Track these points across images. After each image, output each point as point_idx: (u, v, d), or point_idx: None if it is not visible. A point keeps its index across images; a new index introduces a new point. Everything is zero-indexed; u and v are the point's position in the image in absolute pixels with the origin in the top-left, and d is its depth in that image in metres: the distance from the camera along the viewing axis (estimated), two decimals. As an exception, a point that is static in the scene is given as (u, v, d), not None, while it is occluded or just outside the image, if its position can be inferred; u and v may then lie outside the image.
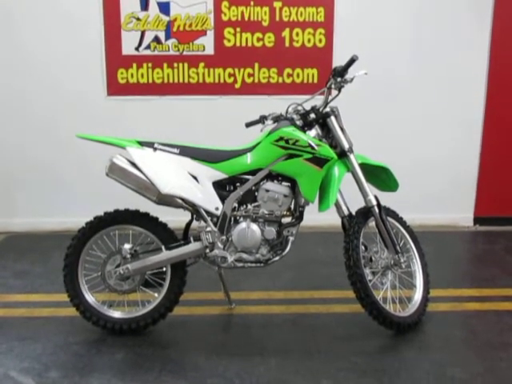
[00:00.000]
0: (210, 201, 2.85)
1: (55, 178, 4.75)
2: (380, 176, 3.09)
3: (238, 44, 4.57)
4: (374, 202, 2.92)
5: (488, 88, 4.78)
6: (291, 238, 2.90)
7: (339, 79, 2.88)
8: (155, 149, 2.84)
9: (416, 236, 3.18)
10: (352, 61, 2.80)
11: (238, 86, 4.65)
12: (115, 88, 4.62)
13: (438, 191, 4.89)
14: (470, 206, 4.98)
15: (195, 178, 2.84)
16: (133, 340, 2.86)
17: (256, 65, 4.61)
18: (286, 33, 4.56)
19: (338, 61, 4.26)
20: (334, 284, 3.50)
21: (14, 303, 3.32)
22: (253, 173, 2.88)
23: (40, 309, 3.23)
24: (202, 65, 4.60)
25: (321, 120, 2.91)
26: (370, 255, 2.96)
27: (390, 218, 3.04)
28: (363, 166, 2.96)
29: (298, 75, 4.63)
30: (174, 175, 2.80)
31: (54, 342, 2.85)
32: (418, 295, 3.07)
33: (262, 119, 2.99)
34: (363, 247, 2.93)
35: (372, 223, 2.98)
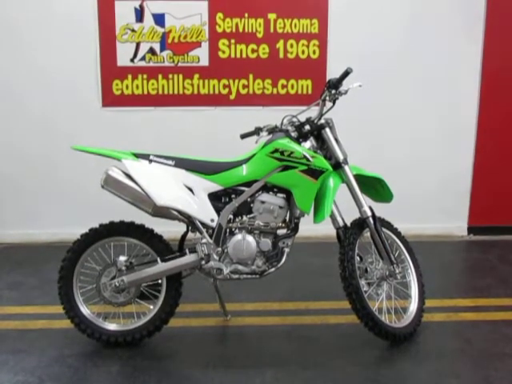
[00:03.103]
0: (206, 212, 2.85)
1: (48, 189, 4.74)
2: (375, 187, 3.10)
3: (232, 55, 4.60)
4: (369, 213, 2.93)
5: (481, 97, 4.82)
6: (287, 250, 2.91)
7: (333, 91, 2.90)
8: (150, 161, 2.84)
9: (411, 246, 3.19)
10: (346, 73, 2.83)
11: (232, 97, 4.67)
12: (110, 99, 4.63)
13: (432, 201, 4.92)
14: (464, 215, 5.01)
15: (190, 189, 2.84)
16: (128, 352, 2.85)
17: (251, 76, 4.64)
18: (280, 44, 4.59)
19: (332, 72, 4.32)
20: (330, 295, 3.49)
21: (7, 315, 3.29)
22: (248, 184, 2.88)
23: (34, 321, 3.21)
24: (196, 76, 4.62)
25: (315, 132, 2.93)
26: (366, 266, 2.97)
27: (384, 229, 3.05)
28: (358, 177, 2.97)
29: (292, 86, 4.66)
30: (170, 187, 2.80)
31: (49, 354, 2.83)
32: (413, 306, 3.08)
33: (257, 131, 3.01)
34: (358, 258, 2.94)
35: (367, 234, 3.00)
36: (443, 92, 4.78)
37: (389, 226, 3.14)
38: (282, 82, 4.66)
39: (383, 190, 3.07)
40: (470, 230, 5.03)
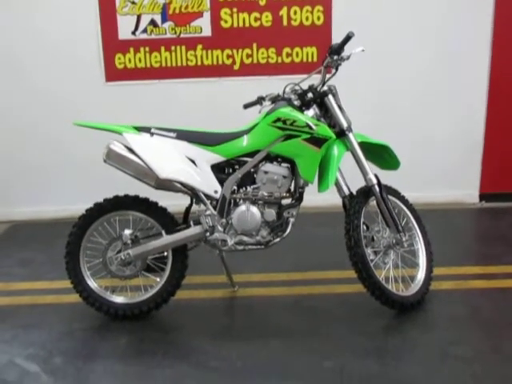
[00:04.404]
0: (209, 184, 2.83)
1: (55, 166, 4.74)
2: (381, 154, 3.05)
3: (235, 25, 4.50)
4: (375, 181, 2.89)
5: (492, 64, 4.67)
6: (292, 220, 2.88)
7: (336, 57, 2.83)
8: (152, 134, 2.82)
9: (418, 214, 3.15)
10: (348, 38, 2.76)
11: (236, 67, 4.59)
12: (113, 74, 4.58)
13: (443, 168, 4.84)
14: (476, 182, 4.92)
15: (193, 161, 2.82)
16: (136, 325, 2.87)
17: (254, 45, 4.54)
18: (283, 11, 4.48)
19: (338, 38, 4.12)
20: (337, 264, 3.45)
21: (18, 291, 3.33)
22: (251, 155, 2.85)
23: (44, 296, 3.25)
24: (199, 47, 4.54)
25: (318, 99, 2.87)
26: (372, 235, 2.94)
27: (391, 197, 3.01)
28: (363, 145, 2.92)
29: (297, 54, 4.57)
30: (172, 160, 2.78)
31: (58, 328, 2.86)
32: (421, 274, 3.05)
33: (259, 100, 2.96)
34: (365, 227, 2.91)
35: (373, 203, 2.96)
36: (453, 58, 4.63)
37: (395, 193, 3.10)
38: (287, 50, 4.55)
39: (390, 157, 3.02)
40: (482, 196, 4.94)
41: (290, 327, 2.82)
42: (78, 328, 2.86)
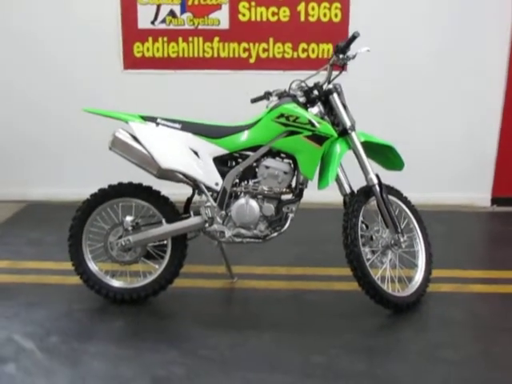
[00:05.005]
0: (210, 176, 2.87)
1: (72, 149, 4.85)
2: (386, 155, 3.05)
3: (252, 18, 4.52)
4: (375, 181, 2.89)
5: (509, 66, 4.59)
6: (291, 215, 2.91)
7: (341, 56, 2.84)
8: (157, 124, 2.87)
9: (420, 215, 3.14)
10: (353, 38, 2.76)
11: (252, 60, 4.62)
12: (131, 62, 4.65)
13: (456, 170, 4.79)
14: (488, 186, 4.86)
15: (196, 153, 2.86)
16: (133, 310, 2.94)
17: (271, 40, 4.56)
18: (301, 7, 4.48)
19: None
20: (338, 261, 3.43)
21: (25, 270, 3.44)
22: (254, 149, 2.88)
23: (49, 276, 3.34)
24: (216, 39, 4.58)
25: (323, 97, 2.88)
26: (371, 234, 2.95)
27: (393, 198, 3.01)
28: (368, 144, 2.93)
29: (313, 50, 4.56)
30: (175, 150, 2.83)
31: (59, 308, 2.95)
32: (419, 275, 3.05)
33: (266, 95, 2.99)
34: (364, 226, 2.92)
35: (373, 202, 2.96)
36: (470, 59, 4.58)
37: (397, 194, 3.09)
38: (303, 45, 4.56)
39: (394, 157, 3.02)
40: (494, 200, 4.88)
41: (284, 321, 2.85)
42: (77, 309, 2.95)
